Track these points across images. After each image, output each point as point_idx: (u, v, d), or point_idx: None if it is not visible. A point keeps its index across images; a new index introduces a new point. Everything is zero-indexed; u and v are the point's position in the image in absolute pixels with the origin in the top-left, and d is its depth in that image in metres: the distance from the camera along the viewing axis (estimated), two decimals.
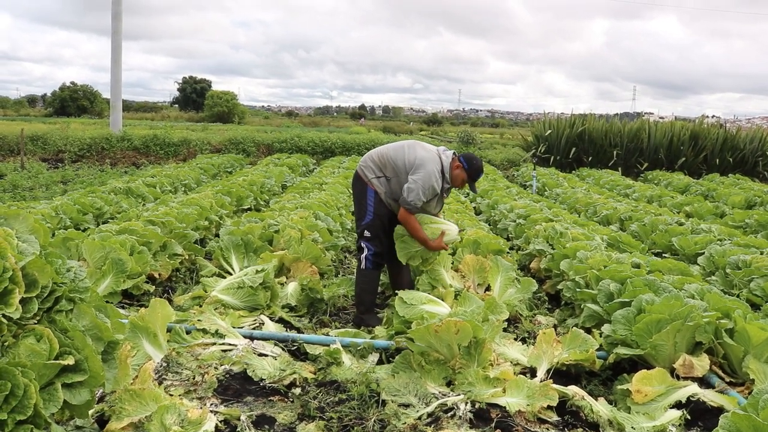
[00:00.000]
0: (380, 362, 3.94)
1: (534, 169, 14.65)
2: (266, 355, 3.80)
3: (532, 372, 3.73)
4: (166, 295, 5.34)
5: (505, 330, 4.41)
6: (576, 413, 3.27)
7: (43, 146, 18.89)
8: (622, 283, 4.39)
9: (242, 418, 3.06)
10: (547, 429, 3.17)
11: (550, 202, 10.62)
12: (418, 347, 3.64)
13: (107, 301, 4.25)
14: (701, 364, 3.55)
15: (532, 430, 3.13)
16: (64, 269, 2.42)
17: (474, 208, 10.54)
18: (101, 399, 2.92)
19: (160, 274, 5.50)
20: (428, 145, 4.90)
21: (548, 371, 3.70)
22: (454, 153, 4.86)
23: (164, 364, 3.46)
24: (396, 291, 4.57)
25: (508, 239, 7.81)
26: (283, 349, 3.98)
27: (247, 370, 3.55)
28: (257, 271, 4.90)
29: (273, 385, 3.49)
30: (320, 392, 3.47)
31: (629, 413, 3.24)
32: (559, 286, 5.42)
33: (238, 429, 3.00)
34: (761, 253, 5.84)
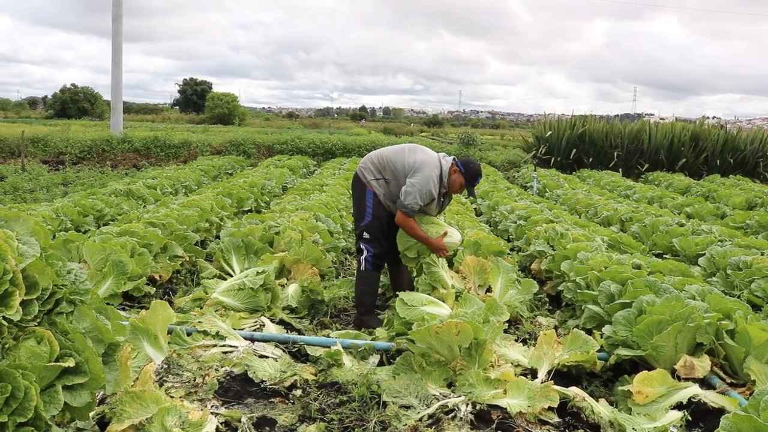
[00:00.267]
0: (381, 364, 3.93)
1: (534, 171, 14.65)
2: (267, 357, 3.80)
3: (533, 373, 3.73)
4: (166, 296, 5.33)
5: (505, 331, 4.40)
6: (577, 414, 3.27)
7: (44, 148, 18.91)
8: (623, 284, 4.39)
9: (243, 419, 3.06)
10: (548, 430, 3.17)
11: (551, 203, 10.63)
12: (419, 348, 3.63)
13: (108, 303, 4.26)
14: (702, 365, 3.55)
15: (533, 431, 3.13)
16: (65, 271, 2.43)
17: (474, 209, 10.54)
18: (102, 401, 2.92)
19: (160, 276, 5.50)
20: (430, 149, 4.88)
21: (549, 372, 3.70)
22: (454, 158, 4.83)
23: (165, 366, 3.46)
24: (396, 292, 4.58)
25: (508, 240, 7.80)
26: (283, 351, 3.98)
27: (248, 372, 3.55)
28: (258, 273, 4.90)
29: (274, 386, 3.48)
30: (321, 394, 3.47)
31: (630, 414, 3.24)
32: (560, 288, 5.42)
33: (239, 431, 2.99)
34: (762, 254, 5.83)
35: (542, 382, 3.49)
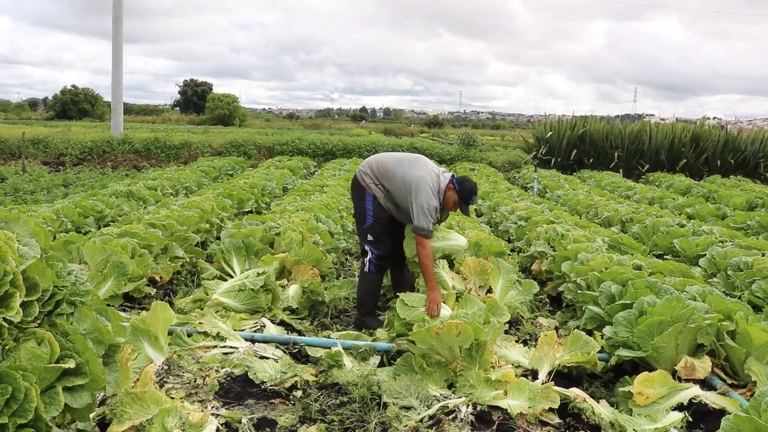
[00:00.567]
0: (381, 364, 3.94)
1: (535, 171, 14.64)
2: (267, 358, 3.80)
3: (533, 374, 3.73)
4: (167, 298, 5.33)
5: (506, 332, 4.40)
6: (577, 415, 3.27)
7: (45, 150, 18.92)
8: (624, 285, 4.39)
9: (243, 420, 3.06)
10: (549, 431, 3.17)
11: (552, 203, 10.62)
12: (420, 349, 3.63)
13: (108, 305, 4.26)
14: (703, 366, 3.55)
15: None
16: (65, 272, 2.43)
17: (475, 210, 10.54)
18: (102, 402, 2.92)
19: (161, 277, 5.50)
20: (430, 163, 4.78)
21: (550, 373, 3.70)
22: (452, 175, 4.75)
23: (165, 367, 3.46)
24: (397, 293, 4.57)
25: (509, 241, 7.80)
26: (284, 352, 3.98)
27: (249, 373, 3.55)
28: (258, 274, 4.90)
29: (274, 387, 3.48)
30: (321, 395, 3.47)
31: (631, 415, 3.24)
32: (561, 288, 5.42)
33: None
34: (763, 255, 5.83)
35: (543, 383, 3.49)
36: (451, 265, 5.26)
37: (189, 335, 3.91)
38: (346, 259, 7.19)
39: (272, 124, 48.38)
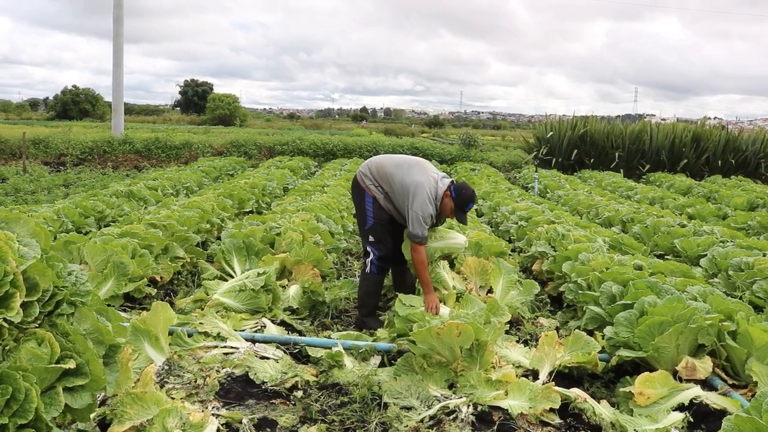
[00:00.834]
0: (382, 365, 3.93)
1: (536, 171, 14.63)
2: (268, 358, 3.80)
3: (534, 374, 3.72)
4: (167, 298, 5.33)
5: (507, 332, 4.39)
6: (578, 416, 3.26)
7: (45, 150, 18.93)
8: (625, 285, 4.39)
9: (244, 421, 3.06)
10: (549, 431, 3.16)
11: (552, 204, 10.61)
12: (420, 350, 3.63)
13: (109, 305, 4.26)
14: (704, 366, 3.54)
15: None
16: (66, 273, 2.42)
17: (476, 210, 10.53)
18: (103, 402, 2.92)
19: (161, 277, 5.50)
20: (431, 168, 4.73)
21: (550, 374, 3.70)
22: (451, 182, 4.68)
23: (166, 368, 3.46)
24: (398, 293, 4.57)
25: (510, 241, 7.80)
26: (284, 352, 3.98)
27: (249, 373, 3.54)
28: (259, 274, 4.90)
29: (275, 388, 3.48)
30: (322, 395, 3.47)
31: (632, 416, 3.23)
32: (561, 288, 5.41)
33: None
34: (764, 255, 5.82)
35: (543, 384, 3.49)
36: (452, 265, 5.26)
37: (189, 335, 3.91)
38: (347, 259, 7.19)
39: (273, 124, 48.39)
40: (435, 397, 3.34)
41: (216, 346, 3.85)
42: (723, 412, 3.18)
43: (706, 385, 3.52)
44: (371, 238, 4.75)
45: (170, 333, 3.77)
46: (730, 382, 3.58)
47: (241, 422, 3.05)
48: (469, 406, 3.24)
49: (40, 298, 2.24)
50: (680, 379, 3.48)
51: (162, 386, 3.25)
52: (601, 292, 4.42)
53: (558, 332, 4.67)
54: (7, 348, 2.15)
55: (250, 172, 14.64)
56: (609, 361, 3.85)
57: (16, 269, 2.18)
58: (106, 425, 2.80)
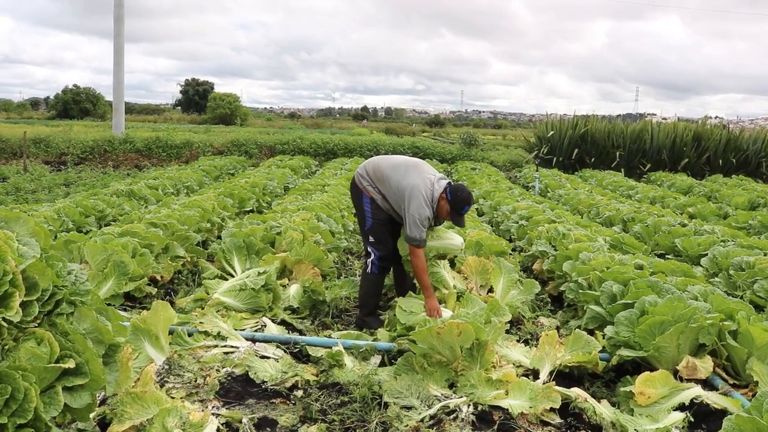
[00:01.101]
0: (382, 364, 3.93)
1: (536, 171, 14.63)
2: (268, 358, 3.80)
3: (534, 374, 3.72)
4: (168, 297, 5.33)
5: (507, 332, 4.39)
6: (579, 415, 3.26)
7: (46, 149, 18.93)
8: (625, 284, 4.38)
9: (244, 420, 3.05)
10: (550, 431, 3.16)
11: (553, 203, 10.61)
12: (421, 349, 3.63)
13: (109, 304, 4.26)
14: (705, 366, 3.54)
15: None
16: (65, 272, 2.42)
17: (476, 209, 10.53)
18: (103, 402, 2.92)
19: (162, 277, 5.49)
20: (429, 170, 4.68)
21: (551, 373, 3.69)
22: (448, 183, 4.61)
23: (166, 367, 3.46)
24: (398, 293, 4.57)
25: (510, 241, 7.79)
26: (285, 352, 3.97)
27: (249, 373, 3.54)
28: (259, 273, 4.89)
29: (275, 387, 3.48)
30: (322, 394, 3.47)
31: (632, 415, 3.23)
32: (562, 288, 5.41)
33: (240, 431, 2.99)
34: (765, 255, 5.82)
35: (544, 383, 3.48)
36: (452, 265, 5.26)
37: (190, 335, 3.91)
38: (347, 259, 7.18)
39: (274, 123, 48.35)
40: (435, 396, 3.34)
41: (216, 346, 3.85)
42: (724, 412, 3.17)
43: (707, 384, 3.51)
44: (371, 239, 4.75)
45: (170, 332, 3.77)
46: (731, 381, 3.57)
47: (241, 422, 3.05)
48: (469, 405, 3.24)
49: (39, 298, 2.23)
50: (681, 379, 3.48)
51: (162, 385, 3.25)
52: (602, 291, 4.42)
53: (558, 332, 4.66)
54: (7, 347, 2.15)
55: (250, 171, 14.64)
56: (609, 361, 3.85)
57: (15, 268, 2.18)
58: (106, 424, 2.79)
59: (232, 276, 5.25)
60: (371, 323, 4.72)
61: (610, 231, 7.46)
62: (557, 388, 3.33)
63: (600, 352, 3.81)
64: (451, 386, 3.50)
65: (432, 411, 3.18)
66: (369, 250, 4.78)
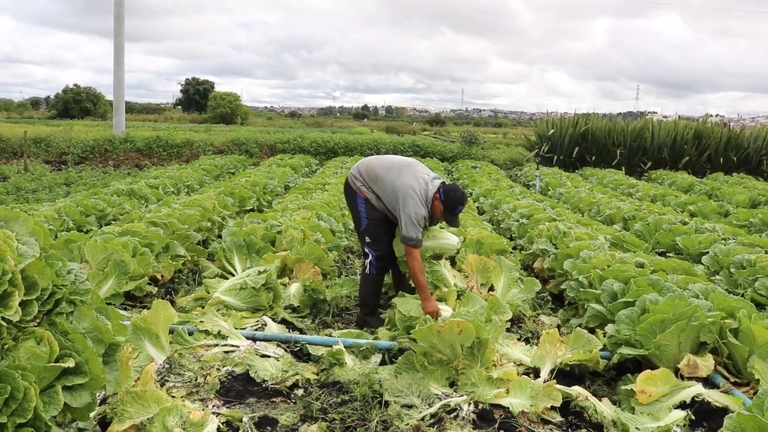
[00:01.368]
0: (383, 363, 3.93)
1: (537, 169, 14.62)
2: (269, 357, 3.80)
3: (535, 372, 3.72)
4: (168, 296, 5.33)
5: (508, 330, 4.39)
6: (580, 414, 3.26)
7: (47, 148, 18.93)
8: (626, 282, 4.37)
9: (244, 419, 3.05)
10: (551, 430, 3.16)
11: (554, 201, 10.60)
12: (421, 348, 3.62)
13: (110, 303, 4.26)
14: (706, 364, 3.53)
15: (536, 430, 3.12)
16: (65, 271, 2.42)
17: (477, 207, 10.52)
18: (103, 401, 2.92)
19: (162, 276, 5.49)
20: (422, 169, 4.65)
21: (552, 371, 3.69)
22: (442, 183, 4.58)
23: (166, 366, 3.46)
24: (395, 301, 4.54)
25: (511, 239, 7.78)
26: (285, 350, 3.97)
27: (250, 372, 3.54)
28: (260, 272, 4.89)
29: (275, 386, 3.48)
30: (323, 393, 3.47)
31: (633, 414, 3.22)
32: (563, 286, 5.40)
33: (241, 431, 2.99)
34: (766, 253, 5.81)
35: (545, 382, 3.48)
36: (453, 263, 5.25)
37: (190, 334, 3.91)
38: (348, 257, 7.18)
39: (274, 122, 48.34)
40: (436, 395, 3.33)
41: (217, 345, 3.85)
42: (725, 410, 3.17)
43: (708, 383, 3.51)
44: (368, 239, 4.73)
45: (171, 331, 3.77)
46: (732, 379, 3.57)
47: (241, 421, 3.04)
48: (470, 404, 3.23)
49: (38, 297, 2.23)
50: (682, 377, 3.47)
51: (162, 385, 3.25)
52: (603, 289, 4.41)
53: (559, 330, 4.66)
54: (6, 347, 2.15)
55: (251, 170, 14.63)
56: (610, 359, 3.84)
57: (14, 268, 2.17)
58: (106, 424, 2.79)
59: (233, 275, 5.25)
60: (372, 322, 4.72)
61: (611, 229, 7.45)
62: (558, 386, 3.33)
63: (601, 350, 3.81)
64: (452, 385, 3.50)
65: (433, 410, 3.18)
66: (366, 251, 4.76)
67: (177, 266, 5.78)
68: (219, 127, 35.38)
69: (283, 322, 4.63)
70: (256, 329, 4.31)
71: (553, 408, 3.24)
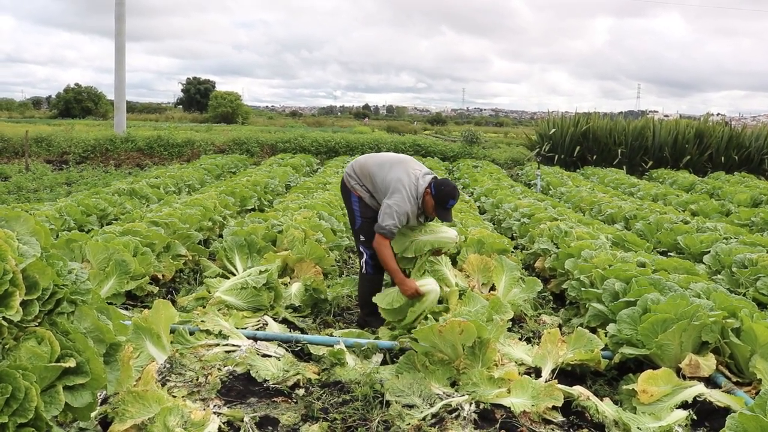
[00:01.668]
0: (384, 363, 3.92)
1: (538, 168, 14.61)
2: (270, 356, 3.79)
3: (536, 372, 3.71)
4: (169, 296, 5.33)
5: (509, 330, 4.38)
6: (581, 413, 3.25)
7: (48, 148, 18.94)
8: (627, 282, 4.37)
9: (245, 419, 3.05)
10: (552, 429, 3.15)
11: (555, 200, 10.59)
12: (422, 347, 3.62)
13: (110, 303, 4.26)
14: (707, 363, 3.53)
15: (537, 430, 3.11)
16: (66, 271, 2.41)
17: (478, 207, 10.52)
18: (104, 401, 2.92)
19: (163, 275, 5.49)
20: (415, 165, 4.63)
21: (553, 371, 3.68)
22: (433, 178, 4.55)
23: (168, 366, 3.46)
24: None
25: (512, 238, 7.78)
26: (286, 350, 3.97)
27: (251, 371, 3.54)
28: (261, 272, 4.89)
29: (276, 386, 3.48)
30: (324, 393, 3.46)
31: (635, 413, 3.22)
32: (564, 286, 5.40)
33: (242, 430, 2.99)
34: (767, 252, 5.80)
35: (546, 381, 3.48)
36: (454, 263, 5.25)
37: (191, 333, 3.90)
38: (349, 257, 7.18)
39: (275, 121, 48.32)
40: (437, 395, 3.33)
41: (218, 344, 3.85)
42: (727, 410, 3.17)
43: (710, 382, 3.51)
44: (362, 238, 4.71)
45: (172, 331, 3.77)
46: (734, 379, 3.56)
47: (242, 420, 3.04)
48: (471, 404, 3.23)
49: (39, 297, 2.23)
50: (683, 377, 3.47)
51: (163, 384, 3.25)
52: (604, 289, 4.41)
53: (561, 330, 4.64)
54: (7, 347, 2.14)
55: (252, 169, 14.63)
56: (612, 359, 3.84)
57: (15, 267, 2.17)
58: (107, 424, 2.79)
59: (234, 274, 5.25)
60: (372, 322, 4.71)
61: (612, 228, 7.44)
62: (559, 386, 3.33)
63: (602, 350, 3.80)
64: (453, 384, 3.50)
65: (434, 409, 3.18)
66: (361, 249, 4.75)
67: (178, 266, 5.78)
68: (220, 126, 35.39)
69: (285, 321, 4.63)
70: (258, 329, 4.31)
71: (554, 408, 3.24)
